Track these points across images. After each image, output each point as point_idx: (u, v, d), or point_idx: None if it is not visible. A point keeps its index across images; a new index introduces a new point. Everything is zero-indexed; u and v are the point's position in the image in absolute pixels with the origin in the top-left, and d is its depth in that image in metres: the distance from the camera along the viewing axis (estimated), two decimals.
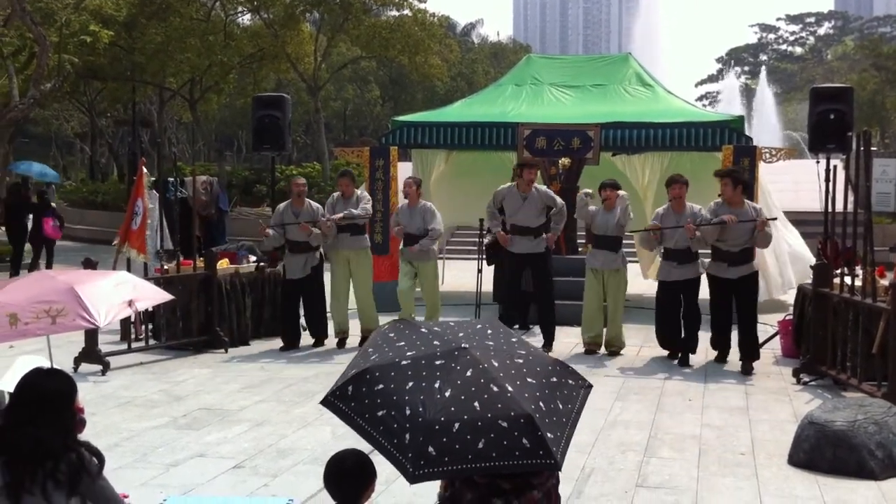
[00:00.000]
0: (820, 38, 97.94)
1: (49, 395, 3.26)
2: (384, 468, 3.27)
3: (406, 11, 30.50)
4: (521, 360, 3.07)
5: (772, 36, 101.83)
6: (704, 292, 9.44)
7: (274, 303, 10.71)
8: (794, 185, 20.29)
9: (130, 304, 4.92)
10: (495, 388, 2.90)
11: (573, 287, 10.49)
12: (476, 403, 2.85)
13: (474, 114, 13.28)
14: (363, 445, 3.04)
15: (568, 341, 10.27)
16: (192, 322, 9.93)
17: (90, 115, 37.16)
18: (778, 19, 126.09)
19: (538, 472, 3.03)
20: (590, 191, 10.01)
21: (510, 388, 2.91)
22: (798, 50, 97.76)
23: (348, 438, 5.27)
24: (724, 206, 9.01)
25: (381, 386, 2.93)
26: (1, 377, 4.83)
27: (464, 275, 13.82)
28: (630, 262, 10.27)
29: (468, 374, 2.93)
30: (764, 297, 11.98)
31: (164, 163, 12.25)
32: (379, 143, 14.05)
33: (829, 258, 9.07)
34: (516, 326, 10.58)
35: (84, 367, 8.82)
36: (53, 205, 17.66)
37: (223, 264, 10.39)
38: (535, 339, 10.61)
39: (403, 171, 13.29)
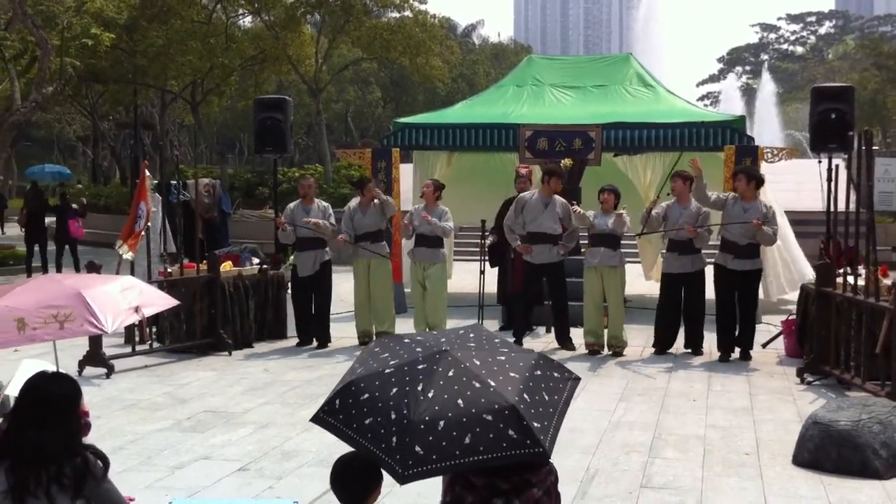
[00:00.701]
0: (821, 38, 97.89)
1: (54, 398, 3.26)
2: None
3: (407, 13, 30.55)
4: (503, 357, 3.08)
5: (773, 35, 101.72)
6: (709, 293, 9.46)
7: (277, 305, 10.72)
8: (795, 184, 20.24)
9: (137, 310, 4.91)
10: (478, 385, 2.90)
11: (573, 287, 10.48)
12: (460, 400, 2.85)
13: (476, 115, 13.30)
14: None
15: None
16: (196, 325, 9.93)
17: (92, 119, 37.24)
18: (779, 19, 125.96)
19: (536, 470, 3.03)
20: (577, 206, 10.02)
21: (493, 384, 2.91)
22: (799, 49, 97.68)
23: None
24: (739, 199, 9.27)
25: (366, 395, 2.95)
26: (5, 380, 4.84)
27: (467, 276, 13.80)
28: (632, 262, 10.27)
29: (450, 373, 2.94)
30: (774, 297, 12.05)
31: (166, 166, 12.23)
32: (381, 145, 14.06)
33: (832, 258, 9.07)
34: (527, 334, 10.56)
35: (88, 370, 8.84)
36: (74, 206, 18.16)
37: (226, 267, 10.39)
38: (537, 339, 10.63)
39: (405, 172, 13.30)
